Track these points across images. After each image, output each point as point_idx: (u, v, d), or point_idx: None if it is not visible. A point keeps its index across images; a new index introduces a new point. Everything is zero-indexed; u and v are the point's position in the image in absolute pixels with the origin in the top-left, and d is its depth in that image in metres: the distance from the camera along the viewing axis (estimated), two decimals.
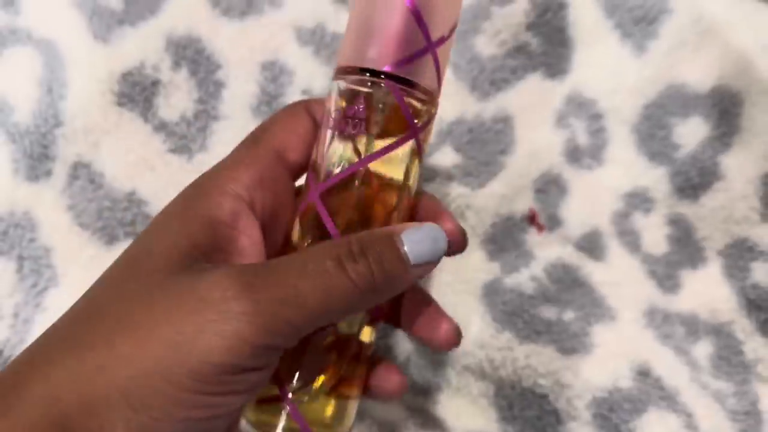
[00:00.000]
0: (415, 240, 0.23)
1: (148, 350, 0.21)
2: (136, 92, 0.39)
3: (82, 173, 0.38)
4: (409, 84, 0.25)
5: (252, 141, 0.28)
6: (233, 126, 0.40)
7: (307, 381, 0.26)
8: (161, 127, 0.39)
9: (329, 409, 0.27)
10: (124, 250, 0.25)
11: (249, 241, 0.26)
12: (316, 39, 0.41)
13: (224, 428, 0.23)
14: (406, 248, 0.23)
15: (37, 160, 0.38)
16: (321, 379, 0.27)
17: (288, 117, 0.28)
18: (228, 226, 0.25)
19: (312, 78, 0.41)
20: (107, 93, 0.39)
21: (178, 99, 0.40)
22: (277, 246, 0.28)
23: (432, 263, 0.24)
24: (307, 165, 0.29)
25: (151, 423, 0.20)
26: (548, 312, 0.38)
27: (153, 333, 0.21)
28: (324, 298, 0.21)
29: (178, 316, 0.21)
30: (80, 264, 0.38)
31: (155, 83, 0.39)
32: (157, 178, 0.39)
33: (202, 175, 0.27)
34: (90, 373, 0.21)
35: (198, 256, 0.23)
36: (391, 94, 0.25)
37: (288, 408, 0.26)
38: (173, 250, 0.23)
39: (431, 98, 0.27)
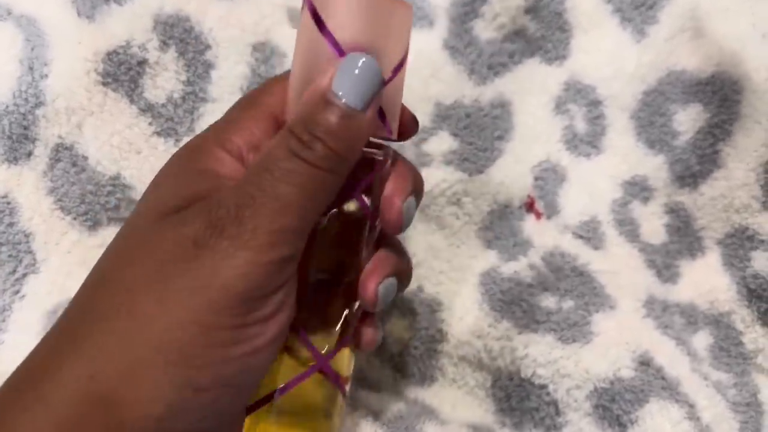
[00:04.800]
0: (348, 85, 0.22)
1: (170, 304, 0.21)
2: (122, 72, 0.37)
3: (65, 155, 0.37)
4: None
5: (248, 103, 0.27)
6: (222, 108, 0.38)
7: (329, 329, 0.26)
8: (147, 108, 0.38)
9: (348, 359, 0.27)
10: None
11: None
12: None
13: (267, 363, 0.23)
14: (344, 101, 0.22)
15: (17, 141, 0.36)
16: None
17: (286, 81, 0.27)
18: (232, 180, 0.24)
19: None
20: (91, 72, 0.37)
21: (165, 80, 0.38)
22: None
23: (375, 95, 0.22)
24: None
25: (195, 373, 0.20)
26: (547, 301, 0.37)
27: (168, 287, 0.21)
28: (303, 193, 0.22)
29: (187, 265, 0.21)
30: (61, 250, 0.36)
31: (142, 63, 0.38)
32: (143, 161, 0.38)
33: (197, 136, 0.26)
34: (120, 341, 0.21)
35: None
36: None
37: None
38: (170, 202, 0.23)
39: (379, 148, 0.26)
